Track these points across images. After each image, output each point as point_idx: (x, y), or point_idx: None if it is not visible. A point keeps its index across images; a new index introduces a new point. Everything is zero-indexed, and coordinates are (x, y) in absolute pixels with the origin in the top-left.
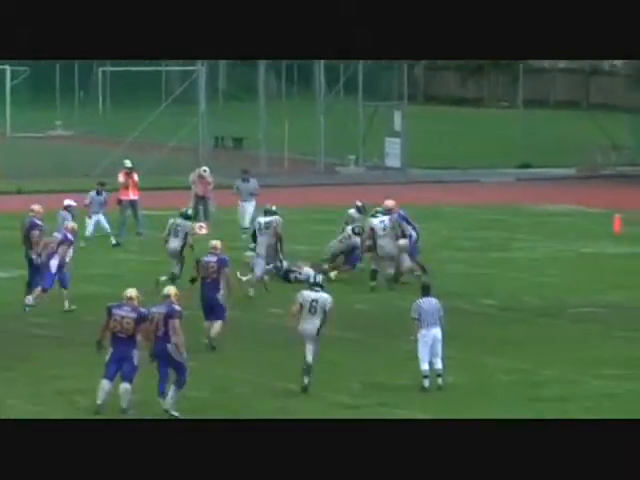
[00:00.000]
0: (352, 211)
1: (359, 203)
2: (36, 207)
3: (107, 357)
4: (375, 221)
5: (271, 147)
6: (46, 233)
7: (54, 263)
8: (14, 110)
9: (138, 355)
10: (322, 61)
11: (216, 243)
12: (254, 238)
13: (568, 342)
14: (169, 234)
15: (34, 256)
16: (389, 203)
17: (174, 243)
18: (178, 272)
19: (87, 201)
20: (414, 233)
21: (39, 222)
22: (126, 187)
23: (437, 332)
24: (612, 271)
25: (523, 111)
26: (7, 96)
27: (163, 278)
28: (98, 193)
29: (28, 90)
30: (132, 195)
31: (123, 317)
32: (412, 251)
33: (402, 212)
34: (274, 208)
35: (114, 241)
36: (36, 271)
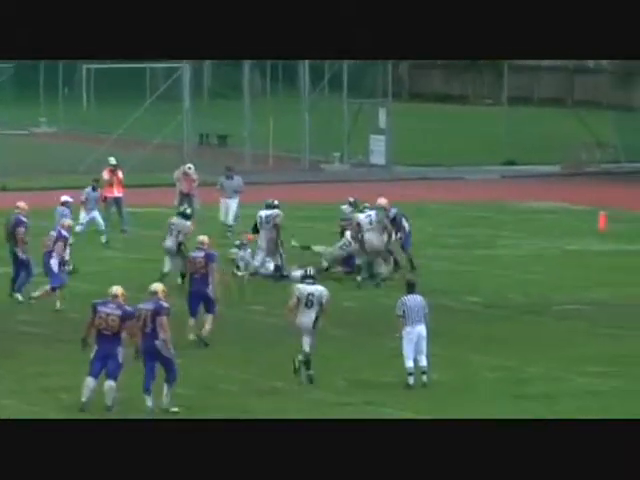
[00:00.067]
0: (345, 207)
1: (351, 199)
2: (22, 204)
3: (92, 354)
4: (361, 216)
5: (256, 144)
6: (31, 231)
7: (54, 262)
8: None
9: (123, 353)
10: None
11: (203, 238)
12: (255, 230)
13: (553, 339)
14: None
15: (20, 253)
16: (382, 201)
17: (169, 242)
18: (183, 269)
19: (83, 197)
20: (407, 225)
21: (24, 219)
22: (111, 184)
23: (422, 329)
24: (597, 268)
25: (508, 108)
26: None
27: (166, 270)
28: (94, 189)
29: (12, 87)
30: (117, 192)
31: (108, 314)
32: (405, 244)
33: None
34: (276, 202)
35: (104, 240)
36: (21, 267)
